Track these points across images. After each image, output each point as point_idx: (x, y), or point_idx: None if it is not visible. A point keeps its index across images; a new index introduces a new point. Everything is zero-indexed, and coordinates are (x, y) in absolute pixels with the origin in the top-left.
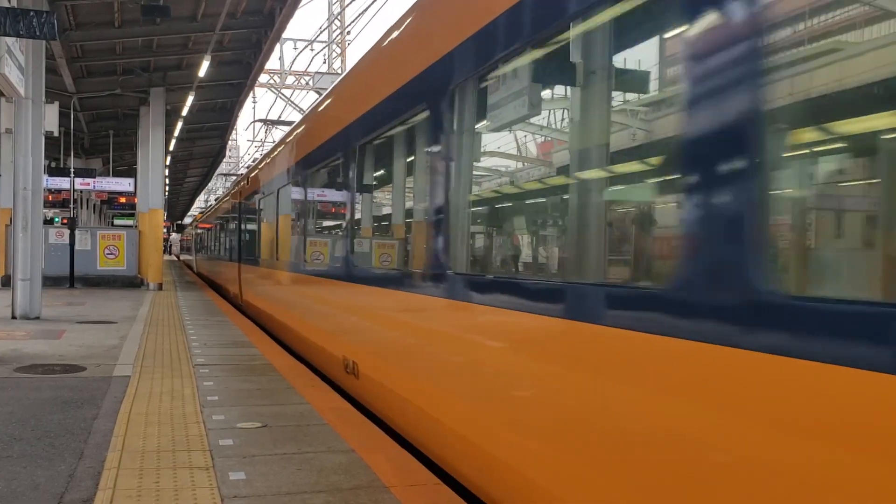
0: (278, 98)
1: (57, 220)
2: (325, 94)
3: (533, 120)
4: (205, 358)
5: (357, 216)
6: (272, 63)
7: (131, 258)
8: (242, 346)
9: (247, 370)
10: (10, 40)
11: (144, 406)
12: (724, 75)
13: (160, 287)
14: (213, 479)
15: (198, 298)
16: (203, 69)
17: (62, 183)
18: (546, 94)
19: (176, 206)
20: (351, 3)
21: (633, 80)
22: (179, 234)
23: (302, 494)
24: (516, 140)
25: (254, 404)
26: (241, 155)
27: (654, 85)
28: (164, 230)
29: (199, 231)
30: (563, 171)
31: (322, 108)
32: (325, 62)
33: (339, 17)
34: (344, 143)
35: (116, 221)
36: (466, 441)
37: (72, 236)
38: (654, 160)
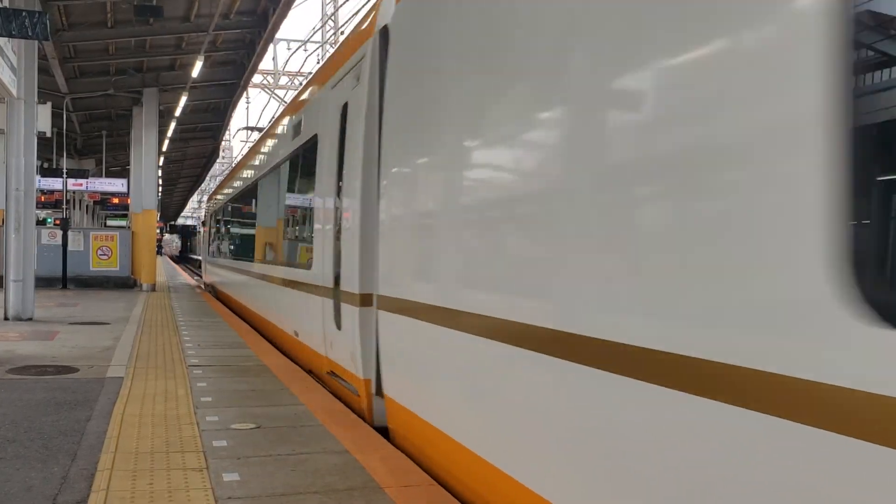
0: (272, 99)
1: (49, 220)
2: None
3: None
4: (198, 359)
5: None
6: (266, 63)
7: (124, 259)
8: (236, 346)
9: (241, 371)
10: (2, 41)
11: (138, 407)
12: None
13: (153, 288)
14: (208, 481)
15: (191, 300)
16: (196, 70)
17: (55, 183)
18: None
19: (169, 206)
20: (344, 3)
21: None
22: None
23: (296, 495)
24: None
25: (248, 405)
26: (234, 156)
27: None
28: (158, 231)
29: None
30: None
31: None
32: (318, 63)
33: (332, 18)
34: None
35: (109, 222)
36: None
37: (64, 237)
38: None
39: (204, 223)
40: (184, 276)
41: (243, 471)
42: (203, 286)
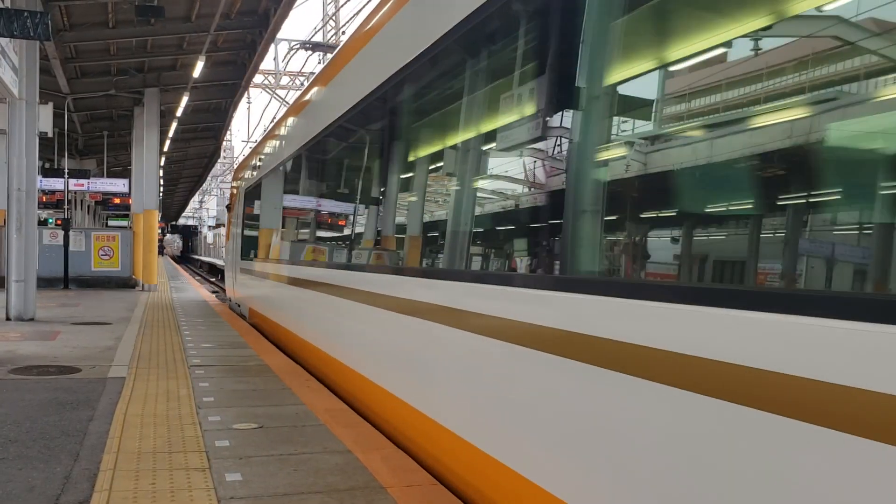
0: (273, 99)
1: (51, 221)
2: None
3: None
4: (200, 359)
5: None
6: (267, 63)
7: (126, 259)
8: (237, 346)
9: (242, 371)
10: (3, 41)
11: (140, 407)
12: None
13: (155, 288)
14: (210, 481)
15: (193, 300)
16: (197, 70)
17: (56, 184)
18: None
19: (170, 207)
20: (345, 3)
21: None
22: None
23: (298, 495)
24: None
25: (249, 405)
26: (235, 156)
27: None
28: (159, 231)
29: None
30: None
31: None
32: (319, 63)
33: (333, 18)
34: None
35: (111, 222)
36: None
37: (66, 237)
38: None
39: (230, 207)
40: (185, 276)
41: (245, 471)
42: (229, 304)
